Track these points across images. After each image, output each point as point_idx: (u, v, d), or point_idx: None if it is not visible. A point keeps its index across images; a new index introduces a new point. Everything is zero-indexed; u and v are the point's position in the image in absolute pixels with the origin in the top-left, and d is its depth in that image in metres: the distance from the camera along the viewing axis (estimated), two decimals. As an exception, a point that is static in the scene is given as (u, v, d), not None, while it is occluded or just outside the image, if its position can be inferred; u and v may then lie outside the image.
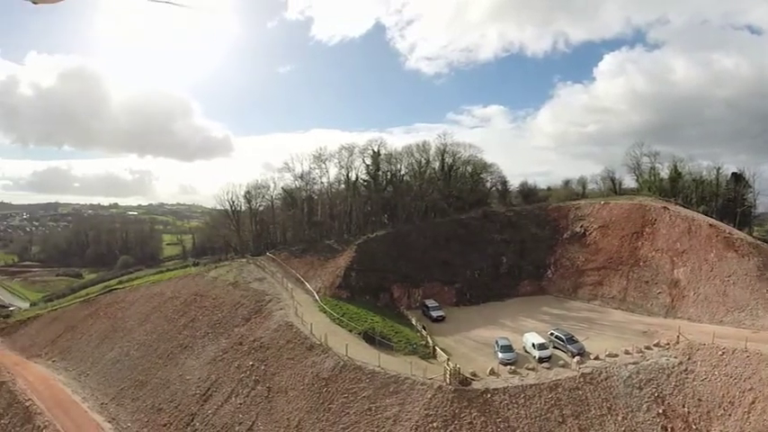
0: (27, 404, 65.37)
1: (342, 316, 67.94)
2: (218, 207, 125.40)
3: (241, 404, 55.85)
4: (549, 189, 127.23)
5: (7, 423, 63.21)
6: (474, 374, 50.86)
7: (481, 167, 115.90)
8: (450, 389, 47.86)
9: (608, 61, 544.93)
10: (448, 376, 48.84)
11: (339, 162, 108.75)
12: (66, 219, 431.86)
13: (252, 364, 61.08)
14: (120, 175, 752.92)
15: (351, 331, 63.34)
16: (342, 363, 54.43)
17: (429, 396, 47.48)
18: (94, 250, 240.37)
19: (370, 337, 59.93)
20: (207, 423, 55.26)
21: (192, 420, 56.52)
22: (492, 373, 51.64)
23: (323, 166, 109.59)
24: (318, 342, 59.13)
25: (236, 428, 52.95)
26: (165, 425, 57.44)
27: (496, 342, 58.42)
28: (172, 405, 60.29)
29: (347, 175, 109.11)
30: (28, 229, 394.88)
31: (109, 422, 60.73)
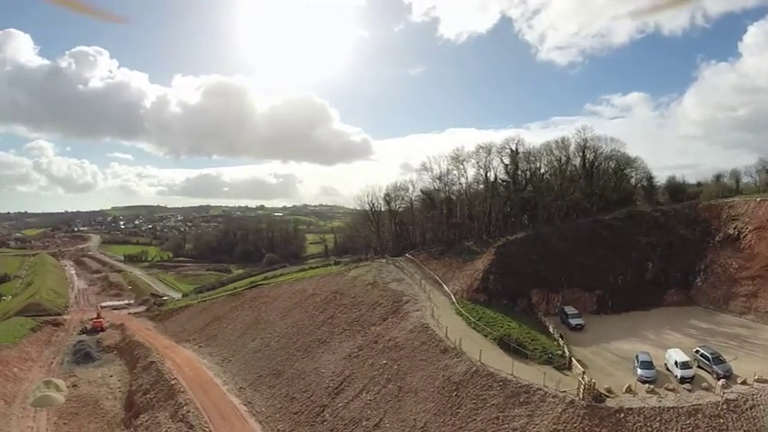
0: (172, 382, 77.80)
1: (478, 320, 71.40)
2: (359, 208, 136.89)
3: (371, 400, 61.52)
4: (698, 184, 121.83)
5: (152, 397, 75.47)
6: (609, 391, 51.00)
7: (624, 162, 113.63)
8: (583, 404, 48.49)
9: (753, 33, 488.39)
10: (581, 390, 49.54)
11: (477, 162, 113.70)
12: (216, 219, 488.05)
13: (385, 363, 66.87)
14: (266, 180, 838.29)
15: (486, 336, 66.51)
16: (474, 368, 57.62)
17: (559, 410, 48.62)
18: (242, 248, 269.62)
19: (505, 344, 62.39)
20: (336, 415, 61.69)
21: (323, 411, 63.46)
22: (628, 390, 51.32)
23: (461, 166, 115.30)
24: (453, 346, 63.08)
25: (364, 423, 58.38)
26: (296, 413, 65.21)
27: (636, 357, 57.87)
28: (305, 395, 68.19)
29: (485, 175, 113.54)
30: (182, 229, 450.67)
31: (244, 405, 70.43)
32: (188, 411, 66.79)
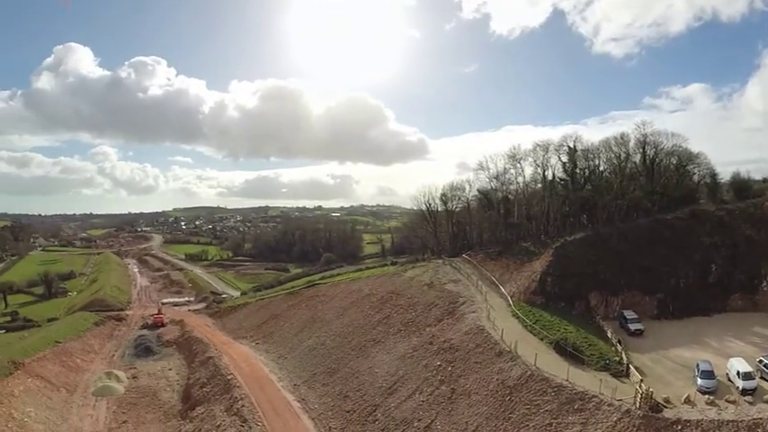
0: (228, 377, 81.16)
1: (534, 323, 71.26)
2: (416, 208, 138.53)
3: (423, 402, 62.43)
4: (764, 181, 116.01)
5: (208, 391, 79.03)
6: (667, 401, 49.43)
7: (686, 158, 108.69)
8: (639, 414, 47.24)
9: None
10: (638, 399, 48.28)
11: (534, 160, 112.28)
12: (275, 220, 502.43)
13: (439, 365, 67.63)
14: (323, 180, 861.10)
15: (542, 340, 66.39)
16: (529, 372, 57.42)
17: (614, 419, 47.70)
18: (300, 248, 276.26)
19: (561, 348, 62.07)
20: (388, 415, 62.96)
21: (375, 411, 64.88)
22: (687, 401, 49.65)
23: (518, 165, 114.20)
24: (508, 349, 63.08)
25: (415, 424, 59.35)
26: (348, 411, 66.98)
27: (697, 365, 55.72)
28: (358, 394, 69.91)
29: (543, 174, 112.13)
30: (241, 229, 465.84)
31: (298, 402, 72.84)
32: (242, 406, 69.42)
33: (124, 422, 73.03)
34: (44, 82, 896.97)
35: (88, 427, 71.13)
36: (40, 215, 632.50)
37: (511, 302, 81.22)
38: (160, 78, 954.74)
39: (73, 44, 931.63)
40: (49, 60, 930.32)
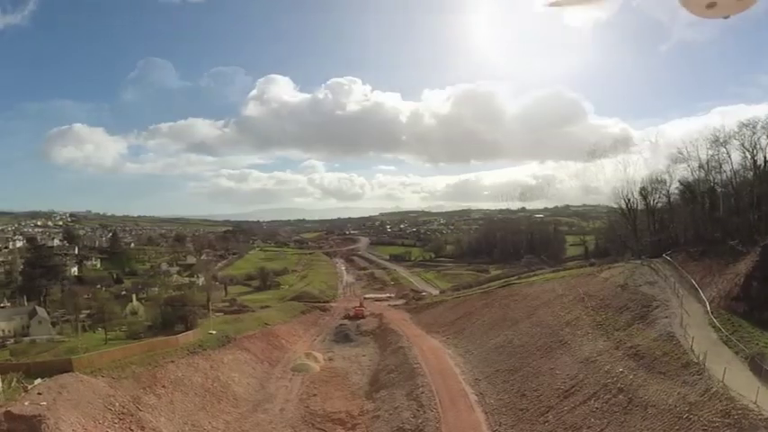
0: (414, 366, 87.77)
1: (731, 333, 65.24)
2: (615, 206, 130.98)
3: (597, 409, 61.64)
4: None
5: (394, 377, 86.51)
6: None
7: None
8: None
9: None
10: None
11: (741, 143, 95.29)
12: (477, 222, 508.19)
13: (621, 371, 66.03)
14: (525, 181, 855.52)
15: (737, 354, 60.84)
16: (714, 389, 52.90)
17: None
18: (501, 249, 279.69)
19: (757, 365, 55.92)
20: (559, 419, 63.47)
21: (547, 412, 65.72)
22: None
23: (722, 150, 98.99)
24: (696, 360, 59.59)
25: (584, 431, 59.37)
26: (522, 409, 68.60)
27: None
28: (534, 394, 71.14)
29: (753, 159, 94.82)
30: (444, 232, 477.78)
31: (476, 395, 76.17)
32: (422, 392, 74.69)
33: (314, 395, 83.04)
34: (251, 110, 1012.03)
35: (281, 396, 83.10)
36: (258, 221, 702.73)
37: (708, 309, 74.71)
38: (357, 95, 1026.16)
39: (274, 75, 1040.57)
40: (254, 92, 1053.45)
